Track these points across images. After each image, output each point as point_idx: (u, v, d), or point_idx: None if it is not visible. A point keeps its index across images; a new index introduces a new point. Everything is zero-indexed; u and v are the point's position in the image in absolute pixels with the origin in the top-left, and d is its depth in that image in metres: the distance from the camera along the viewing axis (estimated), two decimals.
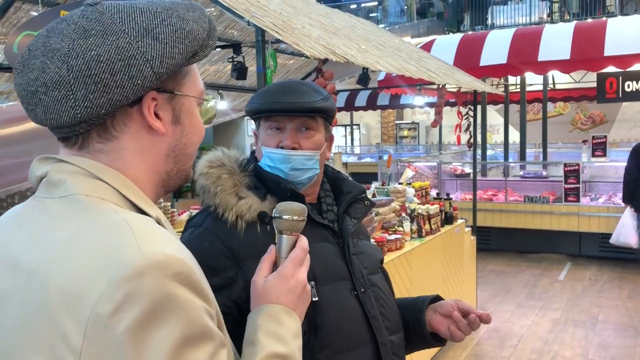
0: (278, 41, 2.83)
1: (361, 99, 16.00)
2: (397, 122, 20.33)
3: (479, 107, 9.84)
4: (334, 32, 3.89)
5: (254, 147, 1.54)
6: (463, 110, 5.71)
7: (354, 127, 20.65)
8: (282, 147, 1.42)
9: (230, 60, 3.64)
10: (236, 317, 1.27)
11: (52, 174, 0.84)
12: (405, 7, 18.88)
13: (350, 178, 1.61)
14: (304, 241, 1.09)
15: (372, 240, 4.04)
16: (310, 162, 1.45)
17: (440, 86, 4.81)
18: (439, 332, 1.49)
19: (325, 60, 3.07)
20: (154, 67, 0.82)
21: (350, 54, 3.25)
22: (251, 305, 1.07)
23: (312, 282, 1.31)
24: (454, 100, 5.71)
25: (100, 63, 0.80)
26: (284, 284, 1.03)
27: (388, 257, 4.12)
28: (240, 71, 3.76)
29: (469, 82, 5.34)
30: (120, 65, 0.80)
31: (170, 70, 0.85)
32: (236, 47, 3.74)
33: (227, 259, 1.33)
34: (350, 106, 16.37)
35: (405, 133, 20.05)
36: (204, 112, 0.98)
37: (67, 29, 0.83)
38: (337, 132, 21.29)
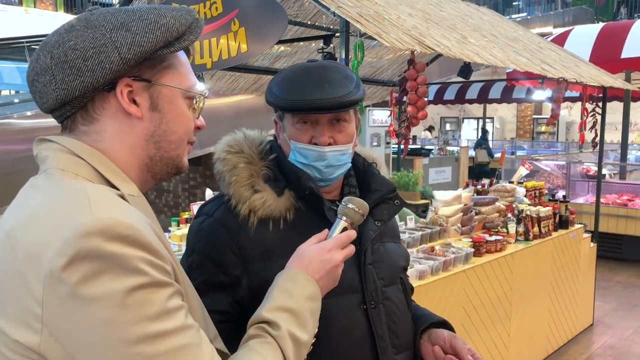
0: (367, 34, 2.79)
1: (495, 90, 15.13)
2: (534, 116, 19.18)
3: (620, 105, 9.02)
4: (436, 23, 3.77)
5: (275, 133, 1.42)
6: (589, 106, 5.25)
7: (487, 120, 19.73)
8: (315, 144, 1.32)
9: (320, 51, 3.64)
10: (237, 319, 1.24)
11: (40, 152, 0.96)
12: None
13: (381, 173, 1.46)
14: (352, 233, 1.17)
15: (416, 234, 3.87)
16: (344, 156, 1.35)
17: (560, 80, 4.48)
18: None
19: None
20: (121, 54, 0.91)
21: (443, 45, 3.13)
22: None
23: None
24: (580, 93, 5.27)
25: (75, 51, 0.91)
26: (319, 254, 1.11)
27: (485, 259, 3.94)
28: None
29: (595, 76, 4.90)
30: (92, 53, 0.91)
31: (138, 57, 0.92)
32: (327, 38, 3.75)
33: (234, 255, 1.27)
34: (483, 98, 15.58)
35: (542, 129, 18.85)
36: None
37: (61, 27, 0.95)
38: (469, 125, 20.54)
